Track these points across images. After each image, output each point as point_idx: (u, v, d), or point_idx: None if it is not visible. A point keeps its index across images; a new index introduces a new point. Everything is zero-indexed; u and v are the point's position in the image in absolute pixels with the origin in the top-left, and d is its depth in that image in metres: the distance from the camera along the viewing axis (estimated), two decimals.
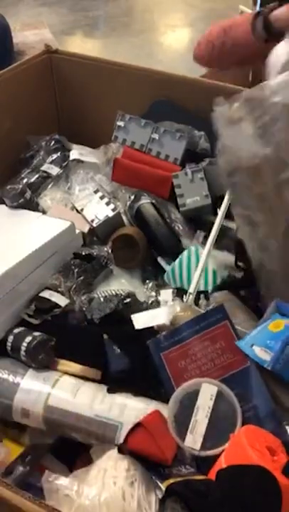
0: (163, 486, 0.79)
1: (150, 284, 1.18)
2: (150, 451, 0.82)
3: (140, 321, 1.04)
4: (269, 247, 1.02)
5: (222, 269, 1.15)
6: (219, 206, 1.16)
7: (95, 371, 0.98)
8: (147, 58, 3.64)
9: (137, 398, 0.93)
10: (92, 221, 1.26)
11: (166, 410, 0.89)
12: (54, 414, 0.94)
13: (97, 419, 0.91)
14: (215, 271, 1.13)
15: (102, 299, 1.09)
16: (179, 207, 1.29)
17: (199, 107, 1.31)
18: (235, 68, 1.58)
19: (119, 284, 1.18)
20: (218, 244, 1.20)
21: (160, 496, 0.79)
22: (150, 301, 1.12)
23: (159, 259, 1.25)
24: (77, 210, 1.30)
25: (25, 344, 0.98)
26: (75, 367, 0.99)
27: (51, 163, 1.47)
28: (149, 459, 0.82)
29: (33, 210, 1.28)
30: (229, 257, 1.19)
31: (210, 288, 1.13)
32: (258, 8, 4.10)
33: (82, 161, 1.47)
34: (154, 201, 1.30)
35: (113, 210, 1.28)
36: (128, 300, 1.10)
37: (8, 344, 1.01)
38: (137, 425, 0.85)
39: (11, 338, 1.01)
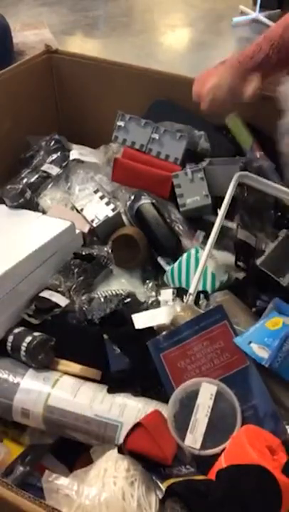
0: (163, 486, 0.79)
1: (150, 284, 1.18)
2: (150, 451, 0.82)
3: (140, 320, 1.04)
4: None
5: (221, 272, 1.15)
6: (219, 206, 1.16)
7: (95, 371, 0.98)
8: (147, 58, 3.65)
9: (137, 398, 0.94)
10: (92, 221, 1.27)
11: (166, 410, 0.89)
12: (54, 414, 0.94)
13: (97, 419, 0.91)
14: (214, 274, 1.13)
15: (102, 299, 1.09)
16: (179, 207, 1.29)
17: (199, 107, 1.31)
18: None
19: (119, 284, 1.18)
20: (218, 245, 1.20)
21: (160, 496, 0.79)
22: (150, 301, 1.12)
23: (159, 259, 1.25)
24: (77, 210, 1.30)
25: (25, 344, 0.98)
26: (75, 367, 0.99)
27: (51, 163, 1.47)
28: (149, 459, 0.82)
29: (33, 210, 1.28)
30: (229, 257, 1.19)
31: (209, 291, 1.13)
32: (258, 8, 4.09)
33: (82, 161, 1.47)
34: (154, 201, 1.30)
35: (113, 210, 1.28)
36: (128, 300, 1.10)
37: (8, 344, 1.01)
38: (137, 425, 0.85)
39: (11, 338, 1.01)
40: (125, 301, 1.09)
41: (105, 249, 1.20)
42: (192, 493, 0.76)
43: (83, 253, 1.18)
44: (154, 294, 1.14)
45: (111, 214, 1.27)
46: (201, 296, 1.09)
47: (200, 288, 1.12)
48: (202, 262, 1.10)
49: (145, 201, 1.29)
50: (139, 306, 1.11)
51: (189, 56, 3.88)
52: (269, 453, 0.79)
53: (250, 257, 1.18)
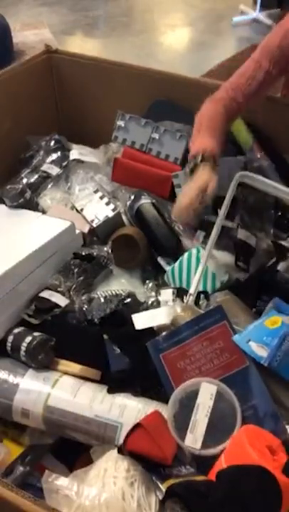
0: (163, 487, 0.79)
1: (150, 284, 1.18)
2: (150, 451, 0.82)
3: (140, 321, 1.04)
4: None
5: (222, 272, 1.15)
6: (219, 206, 1.16)
7: (94, 371, 0.98)
8: (147, 58, 3.64)
9: (137, 398, 0.93)
10: (92, 221, 1.26)
11: (166, 410, 0.89)
12: (54, 414, 0.94)
13: (97, 420, 0.91)
14: (214, 274, 1.13)
15: (102, 299, 1.09)
16: None
17: (199, 107, 1.31)
18: None
19: (119, 284, 1.18)
20: (218, 245, 1.20)
21: (160, 497, 0.79)
22: (150, 302, 1.12)
23: (159, 259, 1.25)
24: (77, 210, 1.30)
25: (25, 344, 0.98)
26: (75, 367, 0.99)
27: (51, 163, 1.47)
28: (149, 460, 0.82)
29: (33, 210, 1.28)
30: (229, 257, 1.19)
31: (209, 291, 1.12)
32: (258, 8, 4.09)
33: (82, 161, 1.47)
34: (154, 201, 1.30)
35: (113, 210, 1.28)
36: (128, 300, 1.10)
37: (8, 344, 1.01)
38: (137, 426, 0.85)
39: (10, 338, 1.01)
40: (125, 301, 1.09)
41: (105, 249, 1.20)
42: (192, 494, 0.76)
43: (83, 253, 1.18)
44: (154, 294, 1.14)
45: (111, 214, 1.27)
46: (201, 296, 1.09)
47: (200, 288, 1.12)
48: (202, 263, 1.10)
49: (145, 201, 1.29)
50: (139, 306, 1.11)
51: (189, 56, 3.87)
52: (269, 453, 0.79)
53: (250, 257, 1.18)
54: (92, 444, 0.93)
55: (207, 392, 0.88)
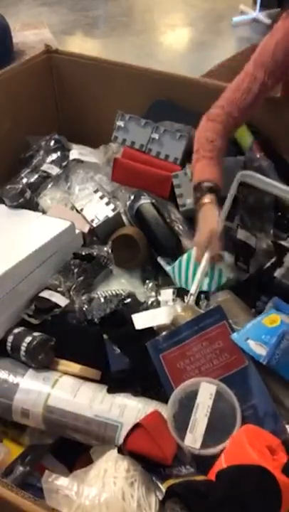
0: (163, 487, 0.79)
1: (150, 284, 1.18)
2: (150, 451, 0.82)
3: (141, 320, 1.04)
4: None
5: (228, 269, 1.15)
6: (220, 206, 1.16)
7: (94, 371, 0.98)
8: (147, 58, 3.64)
9: (137, 398, 0.93)
10: (92, 221, 1.26)
11: (166, 410, 0.89)
12: (54, 414, 0.94)
13: (96, 420, 0.91)
14: (221, 270, 1.13)
15: (102, 299, 1.09)
16: (178, 207, 1.29)
17: (199, 107, 1.31)
18: None
19: (119, 284, 1.18)
20: None
21: (160, 497, 0.79)
22: (150, 302, 1.12)
23: (159, 259, 1.24)
24: (77, 210, 1.30)
25: (25, 344, 0.98)
26: (75, 367, 0.99)
27: (51, 163, 1.47)
28: (149, 460, 0.82)
29: (33, 210, 1.28)
30: (229, 258, 1.18)
31: (214, 287, 1.12)
32: (258, 7, 4.09)
33: (82, 161, 1.47)
34: (154, 201, 1.30)
35: (113, 210, 1.28)
36: (128, 300, 1.10)
37: (8, 344, 1.01)
38: (137, 426, 0.85)
39: (10, 338, 1.01)
40: (125, 301, 1.09)
41: (105, 249, 1.20)
42: (192, 494, 0.76)
43: (83, 253, 1.18)
44: (153, 294, 1.14)
45: (111, 214, 1.27)
46: (202, 296, 1.09)
47: (205, 284, 1.12)
48: (203, 262, 1.10)
49: (145, 201, 1.29)
50: (139, 306, 1.11)
51: (189, 56, 3.87)
52: (269, 453, 0.79)
53: (250, 257, 1.18)
54: (92, 444, 0.93)
55: (207, 391, 0.88)
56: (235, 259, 1.16)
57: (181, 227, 1.28)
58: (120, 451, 0.84)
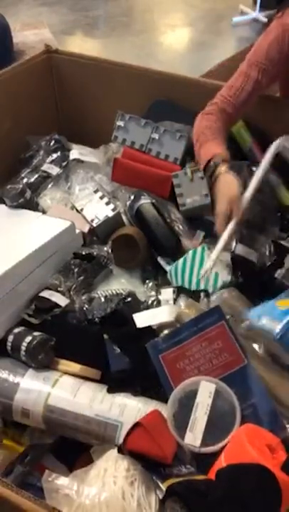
0: (163, 486, 0.79)
1: (150, 284, 1.18)
2: (150, 450, 0.82)
3: (142, 319, 1.04)
4: None
5: (225, 272, 1.15)
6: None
7: (94, 371, 0.98)
8: (147, 58, 3.65)
9: (137, 398, 0.94)
10: (92, 221, 1.27)
11: (166, 410, 0.89)
12: (54, 413, 0.94)
13: (96, 419, 0.92)
14: (217, 274, 1.13)
15: (102, 299, 1.09)
16: (178, 207, 1.29)
17: (199, 107, 1.31)
18: None
19: (119, 284, 1.18)
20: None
21: (160, 496, 0.79)
22: (150, 301, 1.12)
23: (159, 259, 1.25)
24: (77, 210, 1.30)
25: (25, 344, 0.99)
26: (75, 367, 0.99)
27: (51, 163, 1.47)
28: (149, 459, 0.82)
29: (33, 210, 1.28)
30: (228, 257, 1.18)
31: (210, 291, 1.12)
32: (257, 7, 4.09)
33: (82, 161, 1.47)
34: (154, 201, 1.30)
35: (113, 210, 1.28)
36: (129, 299, 1.10)
37: (8, 344, 1.01)
38: (137, 425, 0.85)
39: (11, 337, 1.01)
40: (126, 300, 1.09)
41: (105, 249, 1.20)
42: (192, 493, 0.76)
43: (83, 253, 1.18)
44: (153, 293, 1.14)
45: (111, 214, 1.27)
46: (202, 294, 1.09)
47: (203, 285, 1.12)
48: (228, 230, 1.09)
49: (145, 201, 1.29)
50: (139, 306, 1.11)
51: (189, 56, 3.88)
52: (268, 451, 0.79)
53: (250, 273, 1.15)
54: (92, 443, 0.93)
55: (206, 390, 0.89)
56: (232, 274, 1.14)
57: (181, 227, 1.28)
58: (120, 450, 0.84)
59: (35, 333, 1.01)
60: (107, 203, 1.29)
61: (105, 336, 1.02)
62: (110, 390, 0.95)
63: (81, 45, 4.11)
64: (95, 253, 1.19)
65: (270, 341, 0.93)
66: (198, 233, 1.26)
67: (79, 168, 1.43)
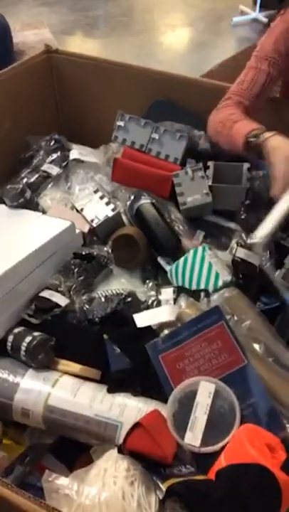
0: (163, 486, 0.79)
1: (150, 284, 1.18)
2: (150, 450, 0.82)
3: (142, 319, 1.04)
4: None
5: (226, 272, 1.15)
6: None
7: (94, 371, 0.98)
8: (147, 58, 3.65)
9: (137, 398, 0.94)
10: (92, 221, 1.27)
11: (166, 410, 0.89)
12: (54, 413, 0.94)
13: (96, 419, 0.92)
14: (218, 274, 1.13)
15: (103, 299, 1.09)
16: (179, 206, 1.29)
17: (199, 107, 1.31)
18: None
19: (119, 284, 1.18)
20: (217, 245, 1.20)
21: (160, 496, 0.79)
22: (151, 301, 1.12)
23: (159, 259, 1.25)
24: (77, 210, 1.30)
25: (25, 344, 0.99)
26: (75, 367, 0.99)
27: (51, 163, 1.47)
28: (149, 459, 0.82)
29: (33, 210, 1.28)
30: (229, 257, 1.18)
31: (210, 289, 1.12)
32: (257, 8, 4.09)
33: (82, 161, 1.47)
34: (154, 201, 1.30)
35: (113, 210, 1.28)
36: (129, 299, 1.10)
37: (8, 344, 1.01)
38: (136, 425, 0.85)
39: (11, 337, 1.01)
40: (126, 300, 1.09)
41: (105, 249, 1.20)
42: (192, 493, 0.76)
43: (83, 253, 1.18)
44: (154, 293, 1.14)
45: (111, 214, 1.27)
46: (202, 294, 1.09)
47: (203, 284, 1.12)
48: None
49: (145, 201, 1.29)
50: (139, 305, 1.11)
51: (189, 56, 3.88)
52: (268, 451, 0.80)
53: (253, 276, 1.13)
54: (92, 443, 0.93)
55: (206, 390, 0.89)
56: (233, 276, 1.13)
57: (181, 227, 1.28)
58: (120, 450, 0.84)
59: (35, 333, 1.01)
60: (107, 203, 1.29)
61: (105, 336, 1.02)
62: (110, 390, 0.95)
63: (81, 45, 4.12)
64: (95, 253, 1.19)
65: (270, 341, 0.93)
66: (198, 233, 1.26)
67: (79, 168, 1.43)
